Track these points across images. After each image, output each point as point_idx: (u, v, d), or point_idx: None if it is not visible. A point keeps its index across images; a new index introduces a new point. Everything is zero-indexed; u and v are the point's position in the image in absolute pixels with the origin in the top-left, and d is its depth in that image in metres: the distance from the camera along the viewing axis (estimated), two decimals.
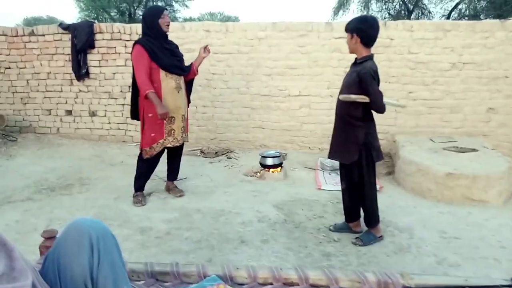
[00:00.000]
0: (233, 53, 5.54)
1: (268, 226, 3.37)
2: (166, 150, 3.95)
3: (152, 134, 3.73)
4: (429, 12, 18.68)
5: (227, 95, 5.64)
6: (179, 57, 3.79)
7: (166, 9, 3.69)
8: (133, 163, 5.19)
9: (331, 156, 3.18)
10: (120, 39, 5.84)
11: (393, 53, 5.11)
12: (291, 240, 3.14)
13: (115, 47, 5.88)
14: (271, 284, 1.70)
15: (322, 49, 5.29)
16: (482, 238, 3.20)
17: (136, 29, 5.77)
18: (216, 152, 5.56)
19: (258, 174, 4.58)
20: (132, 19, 19.38)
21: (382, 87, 5.13)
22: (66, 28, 5.96)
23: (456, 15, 17.57)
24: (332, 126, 5.43)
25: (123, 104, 6.01)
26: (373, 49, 5.10)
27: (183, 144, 3.96)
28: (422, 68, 5.06)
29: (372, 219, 3.11)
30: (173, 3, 21.47)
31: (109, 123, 6.14)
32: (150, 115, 3.68)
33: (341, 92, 3.00)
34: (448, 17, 16.68)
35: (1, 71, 6.21)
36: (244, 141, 5.78)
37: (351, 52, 2.95)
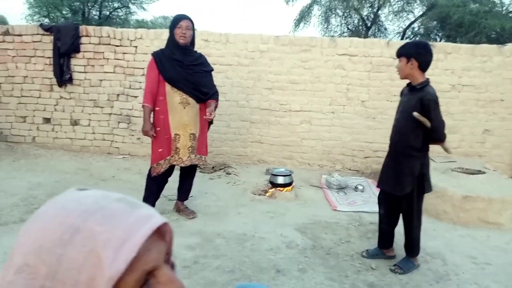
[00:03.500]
0: (232, 65, 5.34)
1: (299, 253, 3.20)
2: (180, 168, 3.69)
3: (160, 150, 3.47)
4: (385, 29, 19.50)
5: (225, 108, 5.41)
6: (192, 70, 3.44)
7: (189, 19, 3.40)
8: (126, 178, 4.88)
9: (382, 185, 3.06)
10: (109, 44, 5.45)
11: (395, 72, 5.09)
12: (328, 269, 2.99)
13: (103, 52, 5.47)
14: None
15: (325, 65, 5.23)
16: None
17: (128, 35, 5.41)
18: (213, 167, 5.31)
19: (268, 193, 4.39)
20: (86, 19, 18.47)
21: (385, 106, 5.19)
22: (48, 29, 5.47)
23: (409, 33, 18.47)
24: (333, 142, 5.42)
25: (110, 114, 5.60)
26: (376, 67, 5.13)
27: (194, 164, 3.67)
28: None
29: (415, 249, 3.03)
30: (130, 5, 20.74)
31: (93, 133, 5.69)
32: (158, 129, 3.43)
33: (398, 121, 2.91)
34: (402, 35, 17.46)
35: None
36: (242, 156, 5.57)
37: (404, 77, 2.86)
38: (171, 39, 3.40)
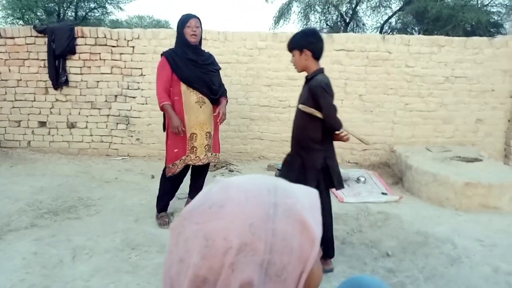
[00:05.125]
0: (231, 63, 5.37)
1: None
2: (192, 167, 3.71)
3: (175, 150, 3.47)
4: (363, 24, 19.79)
5: None
6: (206, 69, 3.48)
7: (197, 18, 3.42)
8: (129, 179, 4.86)
9: None
10: (106, 45, 5.40)
11: (391, 66, 5.28)
12: (347, 258, 3.08)
13: (99, 53, 5.43)
14: None
15: (322, 61, 5.24)
16: None
17: (125, 35, 5.38)
18: (215, 165, 5.33)
19: None
20: (61, 21, 18.10)
21: (382, 99, 5.32)
22: (42, 31, 5.39)
23: (387, 27, 18.82)
24: None
25: (108, 115, 5.56)
26: (373, 62, 5.26)
27: (209, 162, 3.71)
28: (418, 81, 5.29)
29: (331, 250, 2.90)
30: (106, 5, 20.39)
31: (91, 135, 5.64)
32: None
33: (296, 115, 2.82)
34: (380, 30, 17.78)
35: None
36: (242, 153, 5.62)
37: (301, 70, 2.74)
38: (182, 39, 3.39)
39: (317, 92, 2.56)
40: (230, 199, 0.53)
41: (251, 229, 0.50)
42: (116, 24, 21.94)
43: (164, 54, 3.42)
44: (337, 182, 2.77)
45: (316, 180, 2.70)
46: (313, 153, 2.70)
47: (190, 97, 3.40)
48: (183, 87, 3.38)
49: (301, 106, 2.66)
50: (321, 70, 2.69)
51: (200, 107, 3.44)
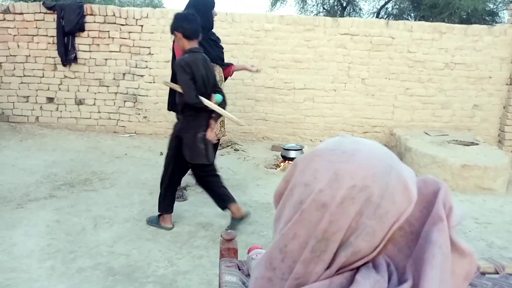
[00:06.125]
0: (238, 44, 5.49)
1: None
2: None
3: None
4: (360, 9, 19.74)
5: (230, 86, 5.56)
6: (221, 48, 3.71)
7: None
8: (139, 156, 5.02)
9: None
10: (115, 23, 5.47)
11: (393, 51, 5.43)
12: None
13: (108, 31, 5.50)
14: None
15: (328, 44, 5.45)
16: (509, 223, 3.63)
17: (133, 14, 5.45)
18: (221, 144, 5.49)
19: (281, 166, 4.64)
20: None
21: (383, 83, 5.49)
22: (51, 7, 5.44)
23: (383, 13, 18.83)
24: (334, 119, 5.70)
25: (116, 93, 5.67)
26: (376, 46, 5.40)
27: (219, 138, 3.89)
28: (419, 66, 5.46)
29: (161, 205, 3.17)
30: None
31: (99, 112, 5.75)
32: None
33: None
34: (377, 15, 17.79)
35: None
36: (247, 133, 5.78)
37: (182, 50, 2.95)
38: (208, 20, 3.49)
39: (175, 69, 2.89)
40: (360, 151, 0.66)
41: (373, 177, 0.63)
42: (108, 2, 21.65)
43: None
44: (187, 153, 2.97)
45: (170, 144, 3.08)
46: (177, 123, 3.11)
47: None
48: None
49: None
50: (191, 50, 2.89)
51: (220, 85, 3.59)
